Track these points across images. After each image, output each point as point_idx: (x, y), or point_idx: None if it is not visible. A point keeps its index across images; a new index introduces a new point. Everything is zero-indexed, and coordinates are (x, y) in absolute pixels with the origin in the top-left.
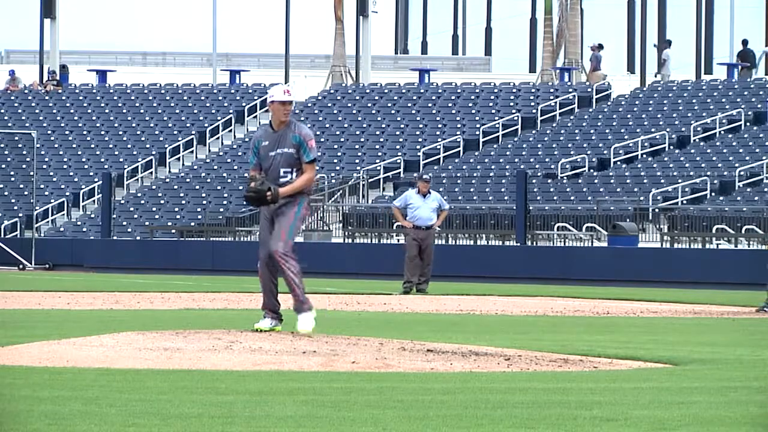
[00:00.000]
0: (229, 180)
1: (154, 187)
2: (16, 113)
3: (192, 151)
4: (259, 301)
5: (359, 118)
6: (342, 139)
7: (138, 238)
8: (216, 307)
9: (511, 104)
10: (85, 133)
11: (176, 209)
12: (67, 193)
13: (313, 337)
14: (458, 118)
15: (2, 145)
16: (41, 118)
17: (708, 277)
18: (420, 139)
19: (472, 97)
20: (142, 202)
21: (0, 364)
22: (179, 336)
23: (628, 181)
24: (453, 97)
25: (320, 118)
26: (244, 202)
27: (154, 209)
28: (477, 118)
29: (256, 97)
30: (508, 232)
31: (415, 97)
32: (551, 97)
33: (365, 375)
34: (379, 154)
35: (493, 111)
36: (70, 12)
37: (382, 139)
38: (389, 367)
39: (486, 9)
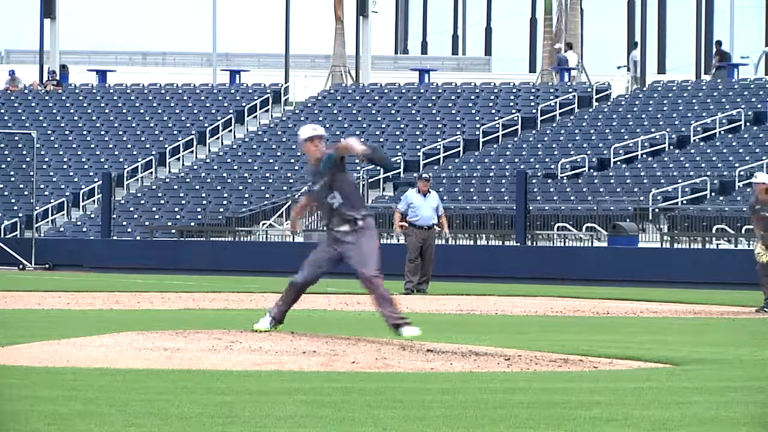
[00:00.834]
0: (229, 180)
1: (154, 187)
2: (16, 113)
3: (192, 151)
4: (259, 301)
5: (359, 118)
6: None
7: (138, 238)
8: (216, 307)
9: (511, 104)
10: (85, 133)
11: (176, 209)
12: (67, 193)
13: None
14: (458, 118)
15: (2, 145)
16: (41, 118)
17: (708, 277)
18: (420, 139)
19: (472, 97)
20: (142, 202)
21: (0, 364)
22: (179, 336)
23: (628, 181)
24: (453, 97)
25: (320, 118)
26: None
27: (154, 209)
28: (477, 118)
29: (256, 97)
30: (508, 232)
31: (415, 97)
32: (551, 97)
33: (365, 375)
34: None
35: (493, 111)
36: (70, 12)
37: (382, 139)
38: (389, 367)
39: (486, 9)
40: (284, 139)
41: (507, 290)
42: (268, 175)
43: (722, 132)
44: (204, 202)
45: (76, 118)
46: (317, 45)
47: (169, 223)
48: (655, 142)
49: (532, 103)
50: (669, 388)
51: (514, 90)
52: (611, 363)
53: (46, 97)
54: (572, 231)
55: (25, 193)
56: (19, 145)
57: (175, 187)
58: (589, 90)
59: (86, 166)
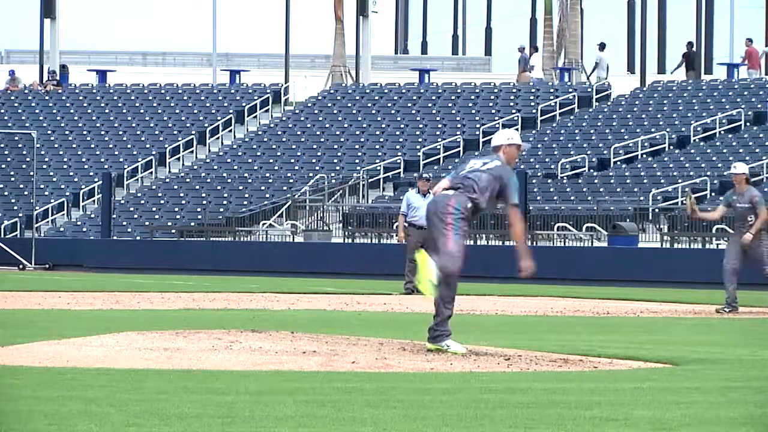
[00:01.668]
0: (229, 180)
1: (154, 187)
2: (16, 113)
3: (192, 151)
4: (259, 301)
5: (359, 118)
6: (342, 139)
7: (138, 238)
8: (216, 307)
9: (511, 104)
10: (85, 133)
11: (176, 209)
12: (67, 193)
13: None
14: (458, 118)
15: (2, 145)
16: (41, 118)
17: (708, 277)
18: (420, 139)
19: (472, 97)
20: (142, 202)
21: (0, 364)
22: (179, 336)
23: (628, 181)
24: (453, 97)
25: (320, 118)
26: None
27: (154, 209)
28: (477, 118)
29: (256, 97)
30: (508, 232)
31: (415, 97)
32: (551, 97)
33: (365, 375)
34: (379, 154)
35: (493, 111)
36: (70, 12)
37: (382, 139)
38: (389, 367)
39: (486, 9)
40: (284, 139)
41: (507, 290)
42: (268, 175)
43: (722, 132)
44: (204, 202)
45: (76, 118)
46: (317, 45)
47: (169, 223)
48: (655, 142)
49: (532, 103)
50: (669, 388)
51: (514, 90)
52: (611, 363)
53: (46, 97)
54: (572, 231)
55: (25, 193)
56: (19, 145)
57: (175, 187)
58: (589, 90)
59: (86, 166)
